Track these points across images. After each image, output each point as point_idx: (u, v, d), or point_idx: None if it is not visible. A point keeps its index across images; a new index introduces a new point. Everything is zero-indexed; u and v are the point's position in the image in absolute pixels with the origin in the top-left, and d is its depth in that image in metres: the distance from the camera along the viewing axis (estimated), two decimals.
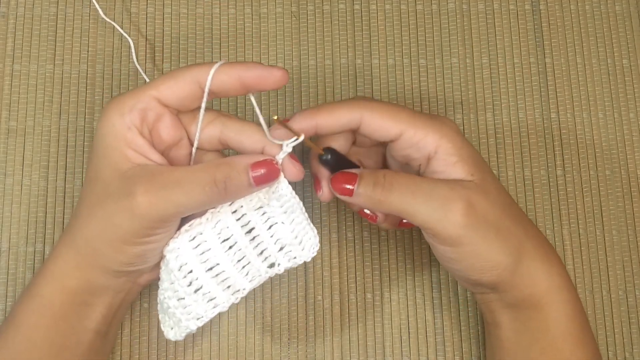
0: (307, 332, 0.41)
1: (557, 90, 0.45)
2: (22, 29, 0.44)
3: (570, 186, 0.43)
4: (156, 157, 0.33)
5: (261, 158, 0.32)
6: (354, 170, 0.34)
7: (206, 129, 0.34)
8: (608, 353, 0.41)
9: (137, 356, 0.40)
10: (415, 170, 0.36)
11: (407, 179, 0.33)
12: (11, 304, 0.40)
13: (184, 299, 0.33)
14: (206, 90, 0.32)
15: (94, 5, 0.42)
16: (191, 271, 0.33)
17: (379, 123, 0.33)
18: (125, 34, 0.38)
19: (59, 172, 0.42)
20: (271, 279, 0.41)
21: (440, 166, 0.34)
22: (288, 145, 0.33)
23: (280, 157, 0.33)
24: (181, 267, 0.33)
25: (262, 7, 0.45)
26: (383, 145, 0.38)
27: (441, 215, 0.32)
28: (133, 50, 0.39)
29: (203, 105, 0.33)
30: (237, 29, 0.45)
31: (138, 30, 0.44)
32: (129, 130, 0.32)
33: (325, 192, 0.36)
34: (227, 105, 0.44)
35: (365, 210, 0.37)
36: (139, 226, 0.31)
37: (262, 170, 0.32)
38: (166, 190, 0.31)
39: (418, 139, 0.33)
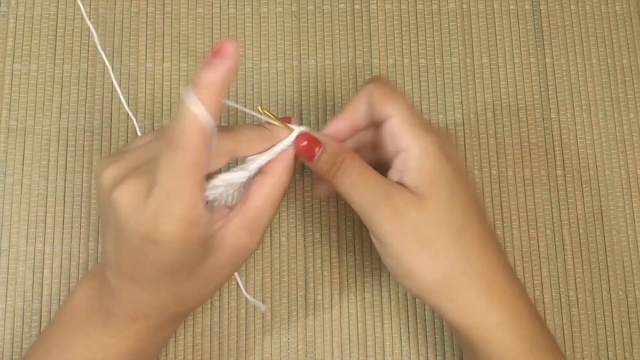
0: (306, 331, 0.41)
1: (557, 90, 0.45)
2: (22, 28, 0.44)
3: (570, 186, 0.43)
4: (221, 210, 0.33)
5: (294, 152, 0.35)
6: (322, 139, 0.35)
7: (216, 163, 0.33)
8: (608, 353, 0.41)
9: None
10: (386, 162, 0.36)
11: (359, 172, 0.34)
12: (11, 304, 0.40)
13: None
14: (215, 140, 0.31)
15: (94, 5, 0.42)
16: None
17: (378, 100, 0.34)
18: (88, 21, 0.36)
19: (59, 171, 0.42)
20: (271, 277, 0.41)
21: (399, 164, 0.34)
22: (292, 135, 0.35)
23: (287, 143, 0.35)
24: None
25: (262, 7, 0.45)
26: None
27: (370, 213, 0.33)
28: (96, 36, 0.37)
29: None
30: (237, 29, 0.45)
31: (138, 30, 0.44)
32: (206, 227, 0.31)
33: (322, 187, 0.38)
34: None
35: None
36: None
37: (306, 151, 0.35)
38: (265, 224, 0.34)
39: (397, 129, 0.33)
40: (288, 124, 0.35)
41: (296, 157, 0.35)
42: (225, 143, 0.33)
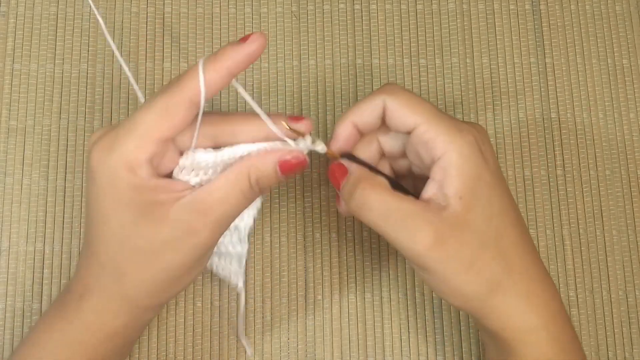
0: (306, 331, 0.41)
1: (557, 90, 0.45)
2: (22, 28, 0.44)
3: (570, 186, 0.43)
4: (180, 185, 0.32)
5: (288, 155, 0.32)
6: (350, 168, 0.34)
7: (199, 143, 0.33)
8: (608, 353, 0.41)
9: (137, 356, 0.40)
10: (424, 171, 0.35)
11: (380, 200, 0.32)
12: (11, 304, 0.40)
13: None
14: (201, 108, 0.31)
15: (94, 5, 0.42)
16: None
17: (398, 111, 0.33)
18: (97, 13, 0.35)
19: (59, 171, 0.42)
20: (271, 277, 0.41)
21: (438, 174, 0.32)
22: (315, 143, 0.33)
23: (304, 148, 0.33)
24: None
25: (262, 7, 0.45)
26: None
27: (408, 244, 0.32)
28: (104, 27, 0.36)
29: (199, 122, 0.32)
30: (237, 29, 0.45)
31: (138, 30, 0.44)
32: (149, 181, 0.31)
33: (343, 206, 0.36)
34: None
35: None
36: (203, 253, 0.32)
37: (291, 163, 0.32)
38: (218, 211, 0.32)
39: (428, 137, 0.32)
40: (300, 132, 0.33)
41: (282, 170, 0.32)
42: (208, 127, 0.33)
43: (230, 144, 0.32)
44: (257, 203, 0.38)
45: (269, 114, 0.32)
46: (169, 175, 0.33)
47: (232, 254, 0.38)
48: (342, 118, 0.35)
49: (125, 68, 0.35)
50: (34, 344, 0.34)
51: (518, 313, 0.33)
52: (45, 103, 0.43)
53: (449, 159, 0.32)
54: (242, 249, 0.38)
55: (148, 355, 0.40)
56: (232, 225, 0.37)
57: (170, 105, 0.30)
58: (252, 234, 0.42)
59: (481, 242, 0.32)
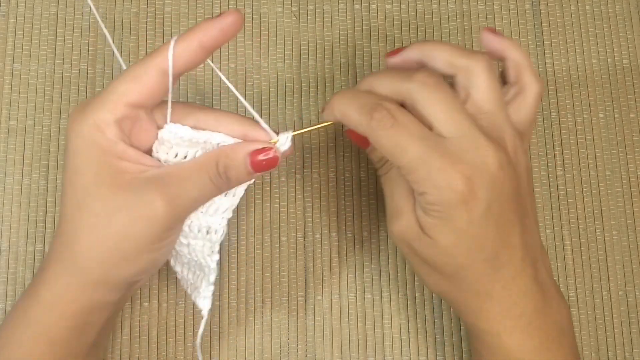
0: (306, 331, 0.41)
1: (557, 90, 0.45)
2: (22, 28, 0.44)
3: (570, 186, 0.43)
4: (150, 160, 0.33)
5: (260, 146, 0.33)
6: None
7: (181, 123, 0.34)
8: (608, 353, 0.41)
9: (137, 356, 0.40)
10: None
11: (390, 179, 0.35)
12: (11, 304, 0.40)
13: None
14: (170, 76, 0.31)
15: (94, 5, 0.42)
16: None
17: (385, 151, 0.32)
18: (101, 22, 0.36)
19: (59, 171, 0.42)
20: (271, 277, 0.41)
21: (417, 201, 0.33)
22: (288, 139, 0.33)
23: (281, 148, 0.33)
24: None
25: (262, 7, 0.45)
26: None
27: (387, 220, 0.35)
28: (108, 35, 0.36)
29: (170, 93, 0.32)
30: None
31: (138, 30, 0.44)
32: (116, 144, 0.31)
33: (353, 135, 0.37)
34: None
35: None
36: (159, 230, 0.32)
37: (261, 158, 0.33)
38: (179, 189, 0.32)
39: (410, 180, 0.32)
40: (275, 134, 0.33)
41: (253, 165, 0.32)
42: (186, 107, 0.33)
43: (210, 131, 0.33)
44: (230, 208, 0.35)
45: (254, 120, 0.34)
46: (148, 153, 0.33)
47: (202, 265, 0.35)
48: (339, 102, 0.34)
49: (109, 40, 0.35)
50: (5, 328, 0.33)
51: (473, 325, 0.34)
52: (45, 103, 0.43)
53: (425, 199, 0.32)
54: (212, 261, 0.35)
55: (148, 355, 0.40)
56: (205, 228, 0.35)
57: (139, 71, 0.31)
58: (253, 234, 0.42)
59: (433, 265, 0.33)
